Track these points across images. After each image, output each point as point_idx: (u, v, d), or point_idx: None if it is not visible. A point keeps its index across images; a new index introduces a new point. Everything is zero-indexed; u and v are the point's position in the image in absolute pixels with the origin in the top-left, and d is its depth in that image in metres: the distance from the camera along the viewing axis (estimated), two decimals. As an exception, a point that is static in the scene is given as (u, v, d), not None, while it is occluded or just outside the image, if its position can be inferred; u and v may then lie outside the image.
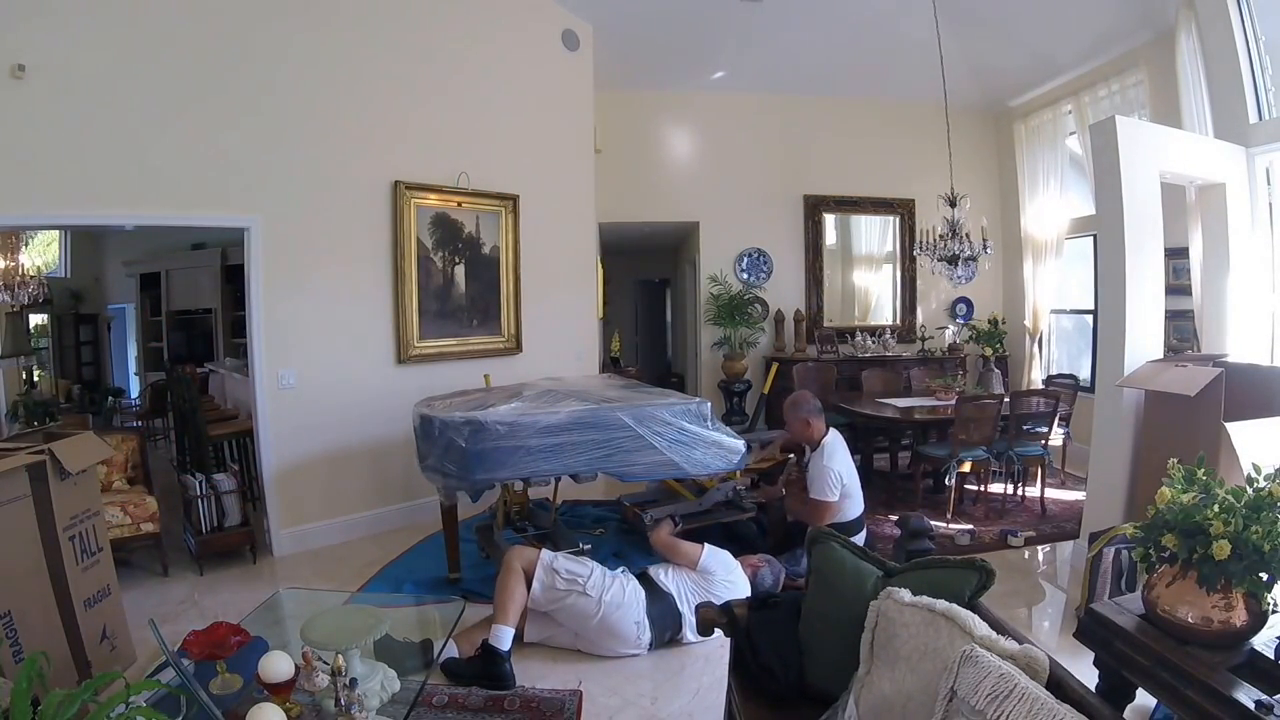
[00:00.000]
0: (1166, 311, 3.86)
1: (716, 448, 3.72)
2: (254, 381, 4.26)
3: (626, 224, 6.98)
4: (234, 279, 8.05)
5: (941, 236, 5.14)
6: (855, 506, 3.83)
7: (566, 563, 3.08)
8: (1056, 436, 5.20)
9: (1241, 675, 1.55)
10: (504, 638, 2.86)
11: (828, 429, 3.87)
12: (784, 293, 7.06)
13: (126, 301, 9.35)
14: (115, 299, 9.40)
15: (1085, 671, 1.73)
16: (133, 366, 9.73)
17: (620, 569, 3.21)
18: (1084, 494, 4.53)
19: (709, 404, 3.84)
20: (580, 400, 3.66)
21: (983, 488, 4.92)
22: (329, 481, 4.43)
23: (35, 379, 8.30)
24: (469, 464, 3.32)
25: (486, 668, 2.80)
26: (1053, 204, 6.34)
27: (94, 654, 2.67)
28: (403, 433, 4.19)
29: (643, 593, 3.07)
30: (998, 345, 6.71)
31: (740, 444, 3.82)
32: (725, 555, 3.25)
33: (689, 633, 3.06)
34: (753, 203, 7.01)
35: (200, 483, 4.03)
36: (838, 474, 3.70)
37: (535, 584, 3.00)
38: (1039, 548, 4.36)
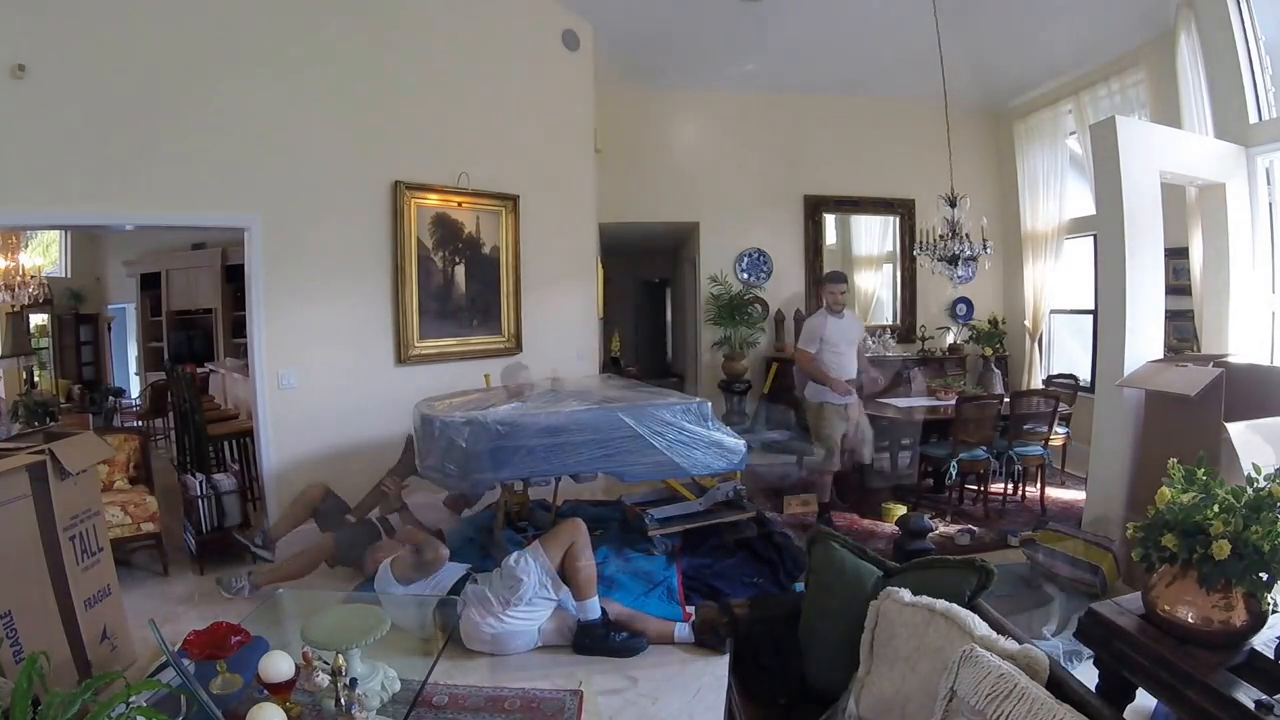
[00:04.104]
0: (1166, 311, 3.86)
1: (717, 448, 3.72)
2: (254, 381, 4.26)
3: (627, 224, 6.98)
4: (234, 279, 8.04)
5: (941, 236, 5.14)
6: None
7: None
8: (1057, 436, 5.20)
9: (1241, 675, 1.55)
10: None
11: None
12: (784, 293, 7.06)
13: (126, 301, 9.35)
14: (115, 299, 9.40)
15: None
16: (133, 366, 9.73)
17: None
18: (1084, 494, 4.53)
19: (709, 404, 3.84)
20: (580, 400, 3.66)
21: (983, 488, 4.92)
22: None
23: (35, 379, 8.31)
24: (469, 464, 3.32)
25: None
26: (1053, 204, 6.34)
27: (94, 654, 2.66)
28: (403, 433, 4.18)
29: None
30: (998, 345, 6.71)
31: (741, 444, 3.81)
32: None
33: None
34: (753, 203, 6.99)
35: (200, 483, 4.04)
36: None
37: None
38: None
